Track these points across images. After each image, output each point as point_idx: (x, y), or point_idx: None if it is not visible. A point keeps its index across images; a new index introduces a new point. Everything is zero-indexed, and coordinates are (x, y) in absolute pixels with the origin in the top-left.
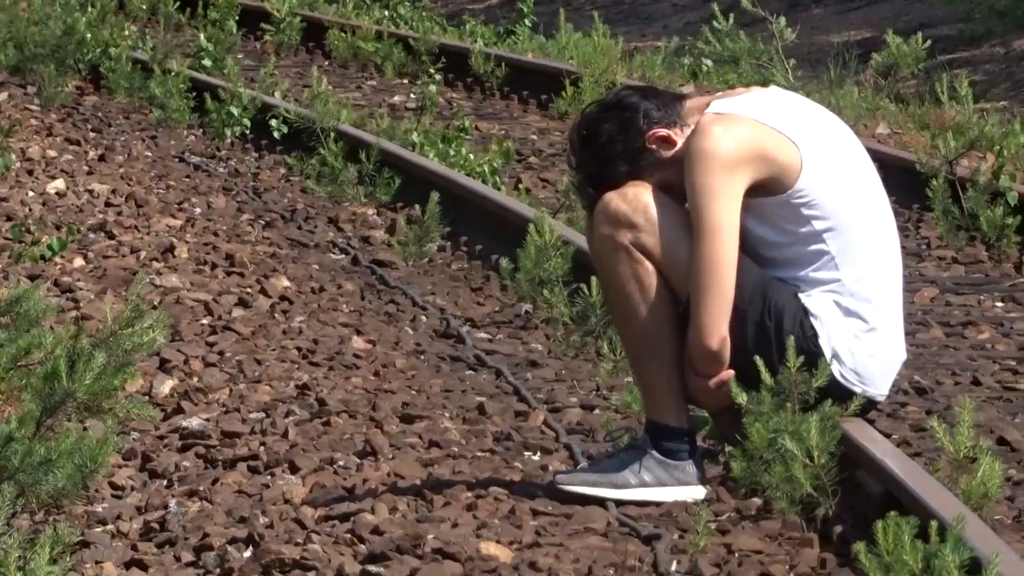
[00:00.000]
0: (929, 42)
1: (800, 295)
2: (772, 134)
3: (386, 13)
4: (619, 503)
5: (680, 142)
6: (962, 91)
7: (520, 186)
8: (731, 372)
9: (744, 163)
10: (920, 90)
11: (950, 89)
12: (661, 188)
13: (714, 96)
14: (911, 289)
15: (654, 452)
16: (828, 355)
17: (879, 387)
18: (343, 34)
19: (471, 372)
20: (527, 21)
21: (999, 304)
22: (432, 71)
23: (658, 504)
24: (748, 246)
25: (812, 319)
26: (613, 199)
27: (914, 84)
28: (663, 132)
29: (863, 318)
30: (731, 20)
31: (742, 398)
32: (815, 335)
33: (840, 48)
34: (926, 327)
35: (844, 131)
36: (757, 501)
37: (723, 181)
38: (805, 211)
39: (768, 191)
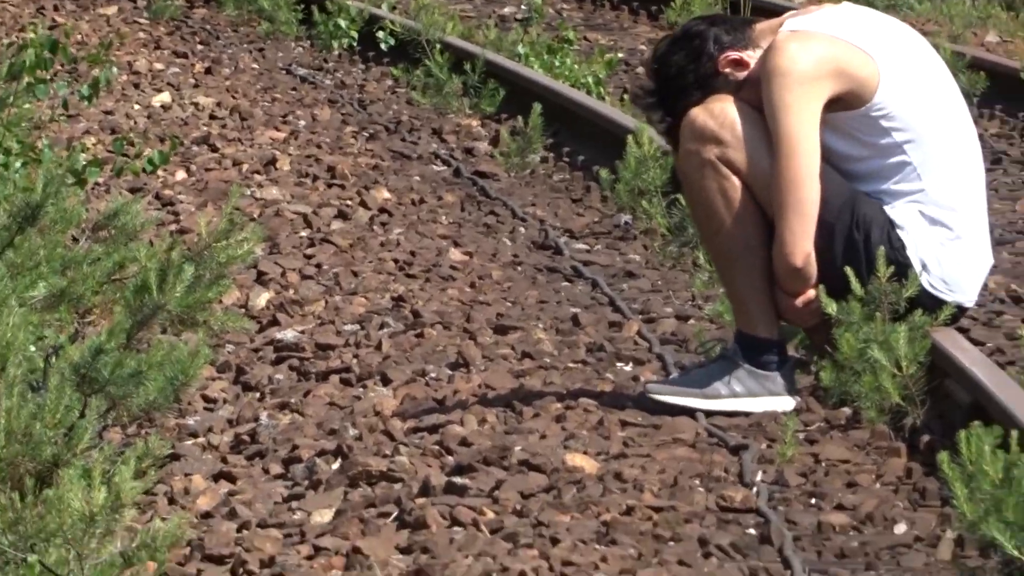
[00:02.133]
0: None
1: (885, 207)
2: (848, 48)
3: None
4: (708, 413)
5: (753, 63)
6: None
7: (625, 96)
8: (815, 292)
9: (821, 78)
10: None
11: None
12: None
13: (786, 15)
14: (1013, 197)
15: (744, 363)
16: (916, 265)
17: (968, 294)
18: None
19: (567, 283)
20: None
21: None
22: None
23: (747, 414)
24: (831, 161)
25: (899, 230)
26: (699, 114)
27: None
28: (735, 55)
29: (948, 226)
30: None
31: (832, 308)
32: (903, 246)
33: None
34: None
35: (920, 42)
36: (846, 411)
37: (801, 97)
38: (884, 123)
39: (846, 105)
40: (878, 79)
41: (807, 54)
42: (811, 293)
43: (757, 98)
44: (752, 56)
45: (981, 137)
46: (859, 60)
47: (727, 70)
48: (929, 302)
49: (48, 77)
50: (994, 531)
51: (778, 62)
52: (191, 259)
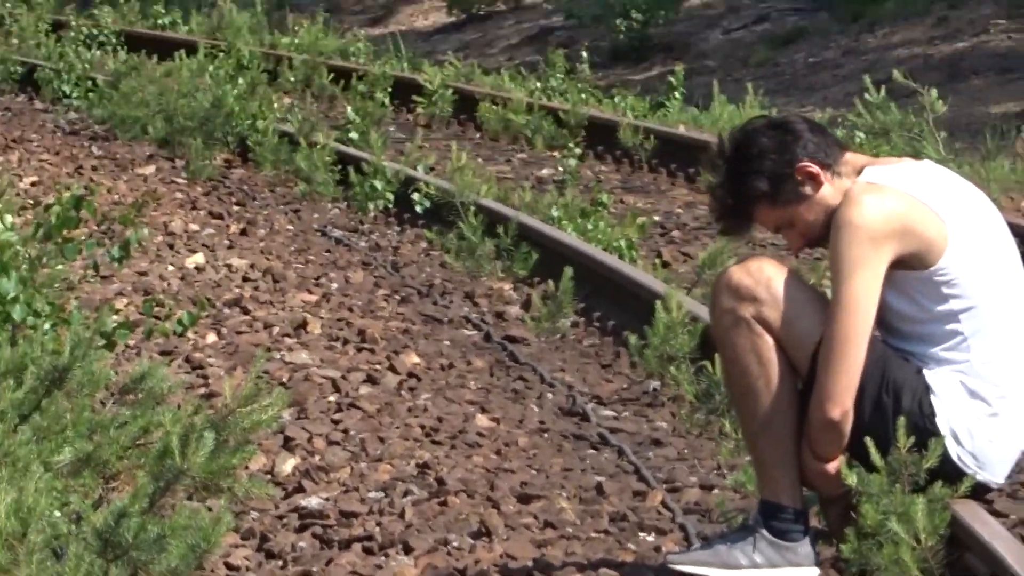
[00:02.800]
0: None
1: (925, 371)
2: (922, 208)
3: (538, 84)
4: None
5: (825, 186)
6: None
7: (658, 260)
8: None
9: (891, 237)
10: None
11: None
12: (785, 223)
13: (871, 160)
14: None
15: (766, 532)
16: (947, 434)
17: (996, 474)
18: (494, 106)
19: (593, 451)
20: (678, 93)
21: None
22: (572, 144)
23: None
24: (883, 318)
25: (933, 396)
26: (736, 272)
27: None
28: (814, 169)
29: (988, 401)
30: (882, 92)
31: (852, 480)
32: (933, 413)
33: (998, 119)
34: None
35: (990, 209)
36: None
37: (868, 253)
38: (945, 289)
39: (911, 266)
40: (946, 243)
41: (880, 210)
42: (839, 461)
43: (811, 225)
44: (827, 179)
45: None
46: (930, 222)
47: (800, 178)
48: (954, 474)
49: (82, 238)
50: None
51: (851, 214)
52: (215, 424)
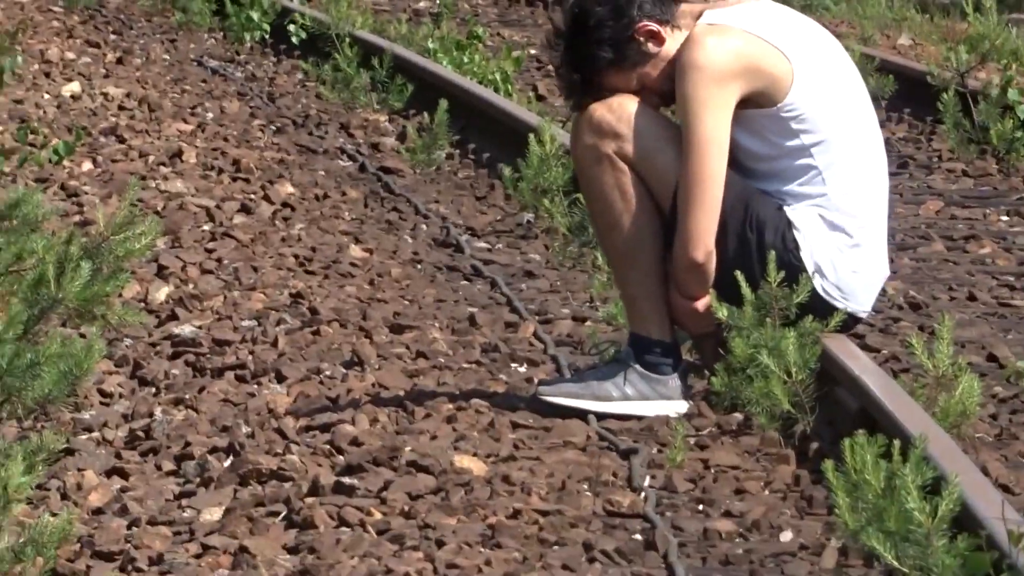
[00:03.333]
0: None
1: (785, 208)
2: (765, 47)
3: None
4: (600, 416)
5: (668, 41)
6: (987, 2)
7: (534, 94)
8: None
9: (736, 76)
10: (952, 1)
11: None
12: (637, 85)
13: (707, 4)
14: (916, 201)
15: (637, 366)
16: (810, 269)
17: (862, 303)
18: None
19: (466, 282)
20: None
21: (1004, 218)
22: None
23: (639, 418)
24: (735, 158)
25: (795, 232)
26: (597, 109)
27: None
28: (654, 27)
29: (848, 233)
30: None
31: (723, 313)
32: (797, 248)
33: None
34: (928, 241)
35: (835, 45)
36: (738, 416)
37: (714, 93)
38: (794, 125)
39: (758, 104)
40: (791, 79)
41: (723, 50)
42: (707, 299)
43: (661, 79)
44: (668, 34)
45: (888, 141)
46: (774, 59)
47: (642, 39)
48: (822, 308)
49: None
50: (874, 541)
51: (694, 56)
52: (90, 252)
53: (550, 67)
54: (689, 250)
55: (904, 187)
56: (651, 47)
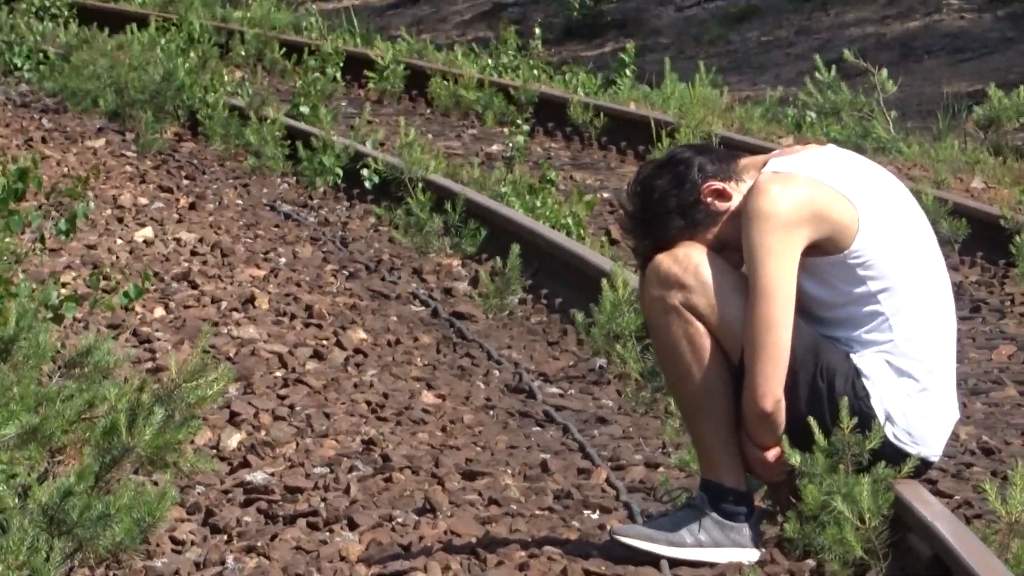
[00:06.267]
0: None
1: (852, 355)
2: (830, 193)
3: (490, 61)
4: (673, 562)
5: (735, 196)
6: None
7: (607, 238)
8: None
9: (802, 223)
10: None
11: None
12: (717, 245)
13: (771, 154)
14: (990, 346)
15: (711, 512)
16: (881, 416)
17: (932, 448)
18: (445, 82)
19: (538, 428)
20: (629, 70)
21: None
22: (520, 121)
23: (712, 565)
24: (801, 305)
25: (864, 380)
26: (664, 260)
27: (1022, 137)
28: (718, 185)
29: (915, 378)
30: (833, 71)
31: (795, 459)
32: (867, 396)
33: (950, 99)
34: (1000, 385)
35: (901, 190)
36: (811, 563)
37: (781, 241)
38: (861, 272)
39: (824, 251)
40: (858, 226)
41: (789, 197)
42: (778, 448)
43: (736, 233)
44: (735, 189)
45: (960, 285)
46: (840, 206)
47: (709, 199)
48: (893, 454)
49: (30, 210)
50: None
51: (760, 204)
52: (162, 398)
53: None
54: (758, 400)
55: (977, 331)
56: (719, 205)
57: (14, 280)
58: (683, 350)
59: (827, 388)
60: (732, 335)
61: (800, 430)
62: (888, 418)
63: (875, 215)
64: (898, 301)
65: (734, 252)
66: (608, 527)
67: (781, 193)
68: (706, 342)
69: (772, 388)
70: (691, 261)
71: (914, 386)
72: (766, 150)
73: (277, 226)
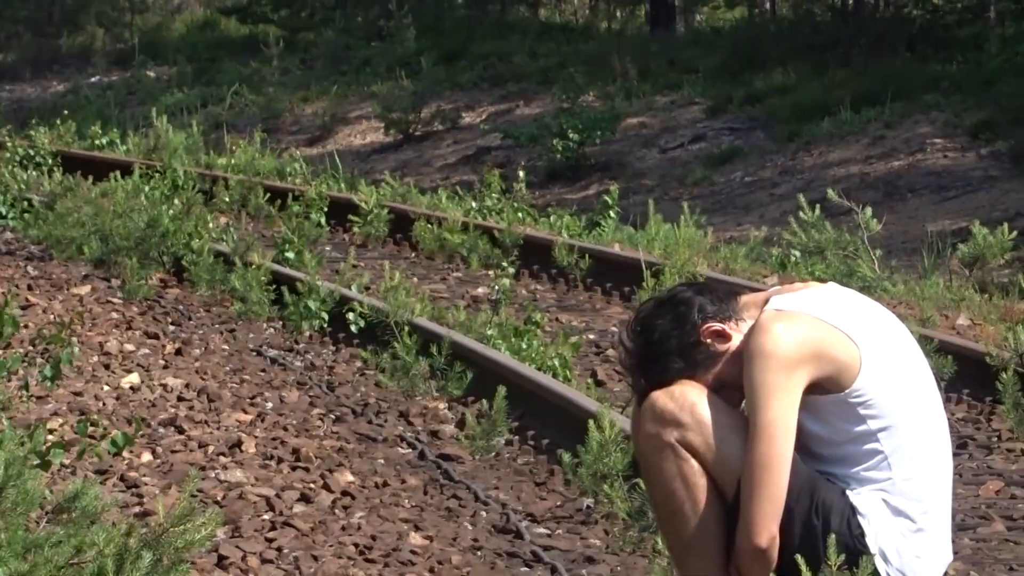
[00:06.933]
0: (1015, 233)
1: (849, 492)
2: (833, 332)
3: (474, 204)
4: None
5: (735, 336)
6: None
7: (593, 379)
8: None
9: (804, 361)
10: (1011, 280)
11: None
12: (716, 384)
13: (771, 291)
14: (977, 482)
15: None
16: (875, 553)
17: None
18: (429, 225)
19: (526, 568)
20: (612, 212)
21: None
22: (505, 264)
23: None
24: (800, 442)
25: (860, 517)
26: (659, 397)
27: (1007, 274)
28: (718, 326)
29: (911, 518)
30: (817, 211)
31: None
32: (862, 534)
33: (934, 237)
34: (988, 521)
35: (900, 329)
36: None
37: (782, 380)
38: (862, 410)
39: (826, 389)
40: (859, 365)
41: (792, 336)
42: None
43: (737, 373)
44: (735, 329)
45: (947, 421)
46: (843, 344)
47: (708, 340)
48: None
49: (14, 356)
50: None
51: (762, 342)
52: (150, 543)
53: (611, 352)
54: (753, 536)
55: (964, 467)
56: (719, 347)
57: (0, 427)
58: (676, 487)
59: (822, 525)
60: (728, 473)
61: (793, 567)
62: (882, 556)
63: (877, 354)
64: (898, 440)
65: (733, 391)
66: None
67: (784, 332)
68: (701, 480)
69: (768, 525)
70: (687, 399)
71: (909, 526)
72: (752, 289)
73: (263, 371)
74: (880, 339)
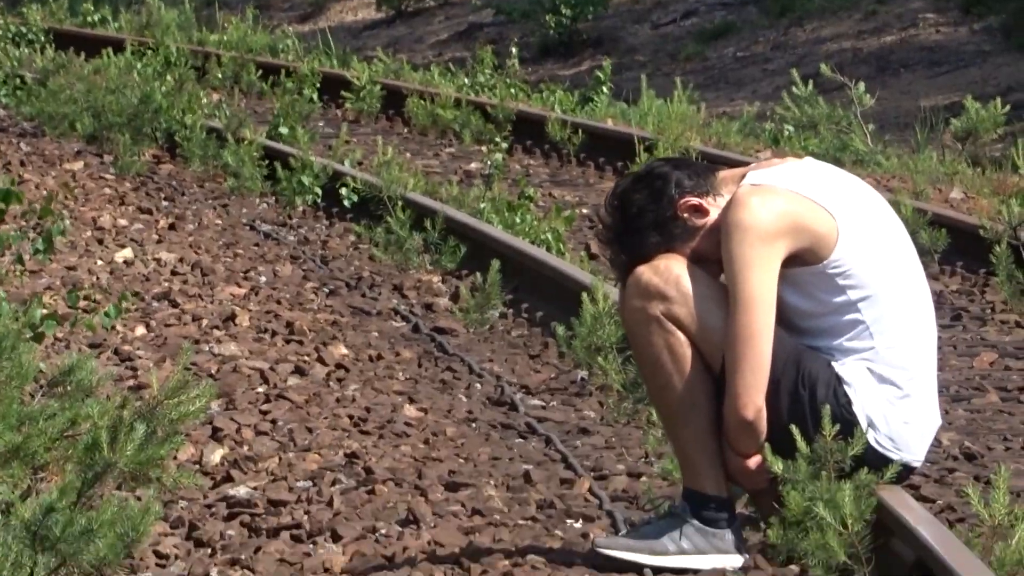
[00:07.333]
0: (1008, 107)
1: (834, 363)
2: (809, 205)
3: (467, 80)
4: (656, 570)
5: (712, 211)
6: None
7: (586, 252)
8: (763, 454)
9: (781, 234)
10: (1004, 154)
11: None
12: (694, 258)
13: (748, 167)
14: (971, 353)
15: (693, 520)
16: (863, 422)
17: (915, 453)
18: (422, 101)
19: (520, 440)
20: (605, 88)
21: None
22: (498, 139)
23: (696, 571)
24: (783, 316)
25: (846, 387)
26: (644, 272)
27: (1000, 148)
28: (695, 201)
29: (897, 385)
30: (810, 86)
31: (778, 467)
32: (849, 403)
33: (927, 112)
34: (982, 392)
35: (878, 200)
36: (794, 568)
37: (760, 252)
38: (840, 281)
39: (804, 261)
40: (836, 236)
41: (768, 209)
42: (759, 457)
43: (714, 248)
44: (712, 204)
45: (941, 294)
46: (819, 217)
47: (685, 215)
48: (876, 460)
49: (10, 231)
50: None
51: (739, 216)
52: (143, 416)
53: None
54: (739, 408)
55: (958, 339)
56: (696, 221)
57: None
58: (664, 360)
59: (809, 396)
60: (713, 344)
61: (782, 438)
62: (870, 424)
63: (854, 225)
64: (878, 309)
65: (712, 265)
66: (591, 536)
67: (760, 205)
68: (687, 352)
69: (753, 397)
70: (672, 272)
71: (896, 393)
72: (744, 164)
73: (257, 245)
74: (857, 211)
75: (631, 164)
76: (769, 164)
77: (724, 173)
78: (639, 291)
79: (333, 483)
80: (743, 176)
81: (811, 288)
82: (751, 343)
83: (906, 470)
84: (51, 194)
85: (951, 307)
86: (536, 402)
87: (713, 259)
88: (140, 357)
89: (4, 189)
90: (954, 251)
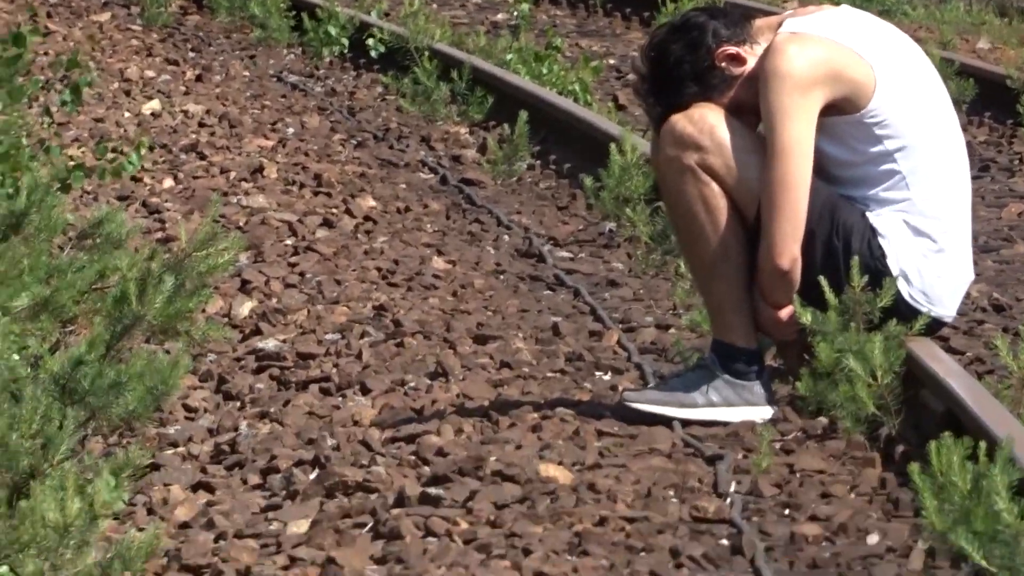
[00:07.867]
0: None
1: (869, 214)
2: (847, 53)
3: None
4: (685, 423)
5: (750, 59)
6: None
7: (614, 103)
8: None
9: (819, 83)
10: None
11: None
12: (732, 108)
13: (785, 15)
14: (999, 204)
15: (722, 372)
16: (896, 274)
17: (947, 308)
18: None
19: (549, 292)
20: None
21: None
22: None
23: (725, 424)
24: (819, 165)
25: (880, 239)
26: (679, 120)
27: None
28: (732, 50)
29: (932, 238)
30: None
31: (807, 318)
32: (883, 255)
33: None
34: (1010, 243)
35: (914, 50)
36: (823, 420)
37: (798, 101)
38: (877, 131)
39: (841, 110)
40: (874, 86)
41: (806, 57)
42: (792, 307)
43: (752, 97)
44: (749, 52)
45: (969, 144)
46: (857, 65)
47: (723, 64)
48: (907, 313)
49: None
50: (962, 542)
51: (777, 64)
52: (172, 268)
53: (631, 76)
54: (774, 257)
55: (986, 190)
56: (733, 70)
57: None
58: (698, 210)
59: (843, 247)
60: (748, 194)
61: (815, 289)
62: (904, 277)
63: (891, 74)
64: (915, 160)
65: (750, 115)
66: (620, 388)
67: (798, 53)
68: (721, 202)
69: (789, 246)
70: (707, 122)
71: (930, 246)
72: (773, 13)
73: (284, 96)
74: (894, 60)
75: (657, 15)
76: (806, 11)
77: (760, 21)
78: (673, 140)
79: (362, 336)
80: (780, 24)
81: (848, 138)
82: (788, 192)
83: (937, 323)
84: (79, 48)
85: (979, 158)
86: (564, 254)
87: (750, 109)
88: (168, 209)
89: (14, 32)
90: (981, 102)
